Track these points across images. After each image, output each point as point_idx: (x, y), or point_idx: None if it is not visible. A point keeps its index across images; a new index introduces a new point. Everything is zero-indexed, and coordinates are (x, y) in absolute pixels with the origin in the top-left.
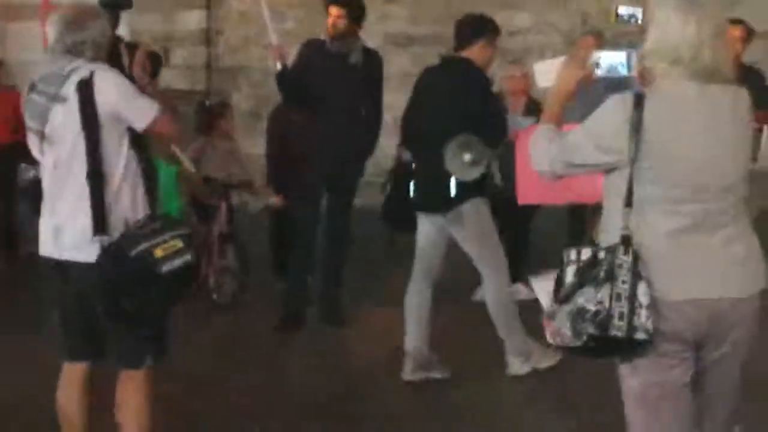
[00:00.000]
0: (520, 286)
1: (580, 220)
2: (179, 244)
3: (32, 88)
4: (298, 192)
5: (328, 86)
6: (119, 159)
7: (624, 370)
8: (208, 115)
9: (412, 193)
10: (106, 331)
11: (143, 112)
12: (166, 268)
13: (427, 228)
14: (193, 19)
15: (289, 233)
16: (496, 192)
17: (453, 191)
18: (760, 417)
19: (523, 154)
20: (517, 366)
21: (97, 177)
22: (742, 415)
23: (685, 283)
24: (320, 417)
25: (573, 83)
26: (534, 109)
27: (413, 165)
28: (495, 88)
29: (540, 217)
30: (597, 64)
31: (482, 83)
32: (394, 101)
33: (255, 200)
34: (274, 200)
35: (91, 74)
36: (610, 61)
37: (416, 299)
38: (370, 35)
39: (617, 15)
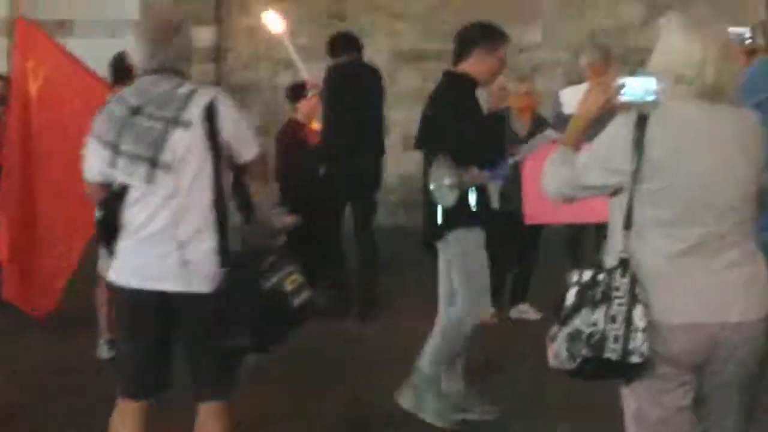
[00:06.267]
0: (527, 307)
1: (579, 241)
2: (301, 278)
3: (136, 111)
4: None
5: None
6: (229, 189)
7: (624, 390)
8: None
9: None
10: (168, 367)
11: (250, 146)
12: (297, 301)
13: (441, 259)
14: (202, 36)
15: (306, 249)
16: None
17: (439, 219)
18: None
19: (530, 175)
20: (407, 398)
21: (222, 205)
22: None
23: (685, 306)
24: None
25: (595, 109)
26: (540, 126)
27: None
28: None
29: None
30: (621, 90)
31: (458, 101)
32: (403, 118)
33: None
34: (288, 220)
35: (214, 99)
36: (636, 86)
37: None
38: (380, 51)
39: None
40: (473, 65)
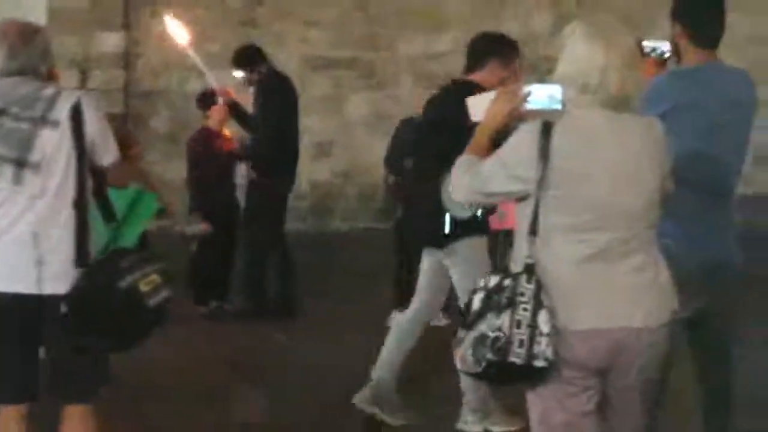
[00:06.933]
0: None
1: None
2: (159, 278)
3: (1, 112)
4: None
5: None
6: (90, 191)
7: (530, 394)
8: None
9: (405, 228)
10: (38, 368)
11: (112, 150)
12: (153, 302)
13: (427, 263)
14: (111, 42)
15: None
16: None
17: (448, 228)
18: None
19: None
20: (364, 398)
21: (83, 206)
22: None
23: (589, 312)
24: None
25: (501, 117)
26: None
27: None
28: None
29: None
30: (527, 98)
31: (456, 113)
32: (313, 124)
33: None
34: (202, 227)
35: (79, 100)
36: (542, 94)
37: (407, 327)
38: (291, 58)
39: (642, 49)
40: (485, 76)
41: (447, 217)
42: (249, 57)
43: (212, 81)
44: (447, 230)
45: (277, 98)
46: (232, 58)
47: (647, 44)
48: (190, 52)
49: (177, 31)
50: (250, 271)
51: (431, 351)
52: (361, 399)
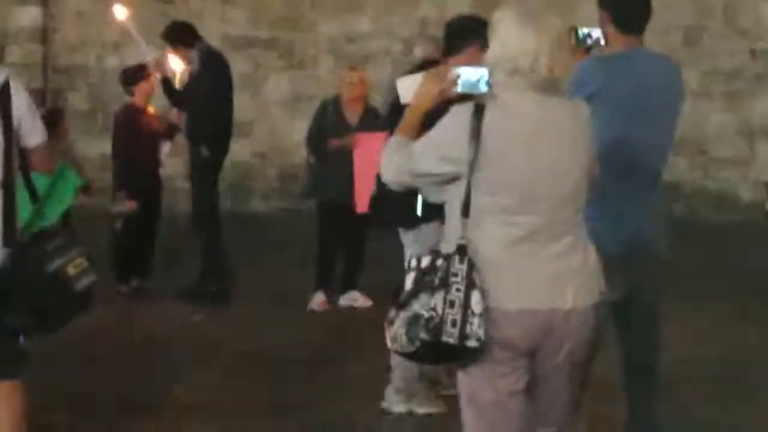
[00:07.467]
0: (357, 294)
1: None
2: (85, 262)
3: None
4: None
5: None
6: (17, 170)
7: (460, 374)
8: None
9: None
10: None
11: (39, 132)
12: (79, 286)
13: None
14: (28, 16)
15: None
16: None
17: (419, 210)
18: (604, 419)
19: (360, 164)
20: (390, 400)
21: (10, 186)
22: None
23: (518, 293)
24: None
25: (430, 99)
26: (370, 115)
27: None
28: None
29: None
30: (456, 80)
31: None
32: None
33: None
34: (128, 204)
35: (7, 78)
36: (470, 76)
37: None
38: (210, 36)
39: (577, 35)
40: (463, 60)
41: (419, 198)
42: (186, 33)
43: (147, 54)
44: (419, 212)
45: (219, 74)
46: (165, 34)
47: (582, 31)
48: (129, 27)
49: (117, 8)
50: (214, 248)
51: None
52: (389, 403)
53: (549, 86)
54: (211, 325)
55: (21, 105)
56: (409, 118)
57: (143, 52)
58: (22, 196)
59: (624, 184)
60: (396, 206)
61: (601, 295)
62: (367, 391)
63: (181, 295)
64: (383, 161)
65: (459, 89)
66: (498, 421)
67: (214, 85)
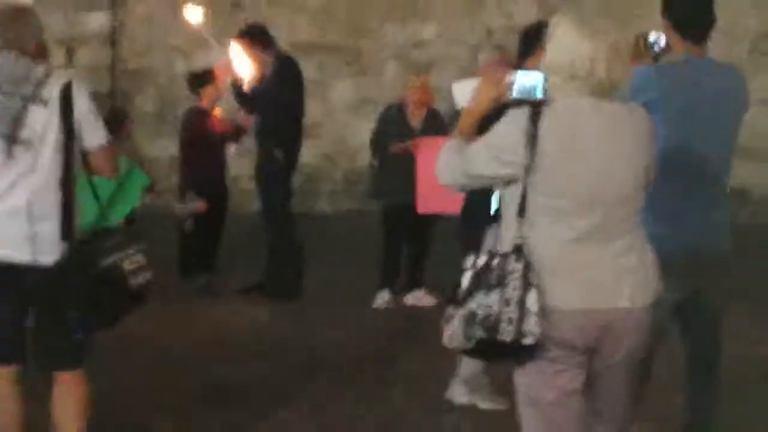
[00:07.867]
0: (422, 293)
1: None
2: (143, 260)
3: None
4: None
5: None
6: (77, 169)
7: (516, 373)
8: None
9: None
10: (25, 333)
11: (99, 135)
12: (134, 282)
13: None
14: (97, 21)
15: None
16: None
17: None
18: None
19: (423, 164)
20: (455, 392)
21: (69, 183)
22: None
23: (576, 292)
24: None
25: (486, 103)
26: (434, 120)
27: None
28: None
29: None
30: (511, 85)
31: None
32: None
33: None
34: (199, 204)
35: (71, 80)
36: (525, 82)
37: None
38: (278, 43)
39: (645, 41)
40: (536, 62)
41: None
42: (262, 35)
43: (221, 57)
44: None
45: (295, 79)
46: (242, 34)
47: (652, 37)
48: (203, 30)
49: (192, 11)
50: (289, 245)
51: None
52: (452, 393)
53: (607, 91)
54: (279, 322)
55: (82, 107)
56: (465, 122)
57: (216, 54)
58: (87, 197)
59: (683, 189)
60: (476, 206)
61: (657, 295)
62: (428, 387)
63: (249, 293)
64: (439, 162)
65: (514, 95)
66: (559, 421)
67: (290, 89)
